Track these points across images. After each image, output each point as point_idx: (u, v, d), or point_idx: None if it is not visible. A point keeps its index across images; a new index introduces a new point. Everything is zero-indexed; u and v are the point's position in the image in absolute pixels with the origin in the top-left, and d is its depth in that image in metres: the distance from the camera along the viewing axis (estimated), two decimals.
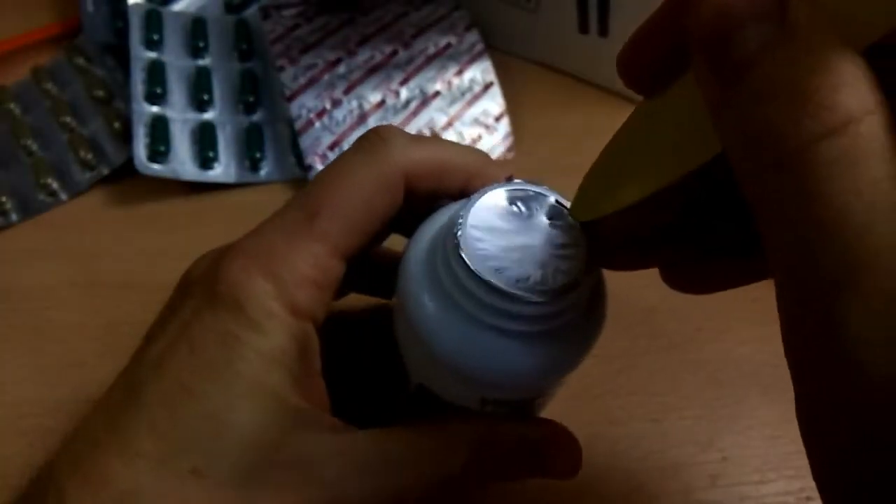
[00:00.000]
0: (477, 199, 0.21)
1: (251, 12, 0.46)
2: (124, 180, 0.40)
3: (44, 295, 0.35)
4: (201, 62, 0.43)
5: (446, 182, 0.24)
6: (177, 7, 0.45)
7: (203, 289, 0.21)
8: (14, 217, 0.38)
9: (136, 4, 0.43)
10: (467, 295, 0.20)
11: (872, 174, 0.12)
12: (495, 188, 0.21)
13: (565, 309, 0.20)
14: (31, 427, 0.30)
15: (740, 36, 0.13)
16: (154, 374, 0.20)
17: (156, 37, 0.42)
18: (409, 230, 0.24)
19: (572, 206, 0.21)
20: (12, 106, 0.42)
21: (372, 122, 0.41)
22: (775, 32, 0.13)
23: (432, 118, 0.42)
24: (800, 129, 0.12)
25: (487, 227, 0.20)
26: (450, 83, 0.43)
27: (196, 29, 0.44)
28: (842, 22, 0.13)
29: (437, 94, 0.42)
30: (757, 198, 0.14)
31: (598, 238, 0.20)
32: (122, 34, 0.43)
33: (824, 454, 0.13)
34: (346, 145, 0.40)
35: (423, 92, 0.42)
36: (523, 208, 0.21)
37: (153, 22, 0.43)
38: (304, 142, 0.40)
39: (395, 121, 0.41)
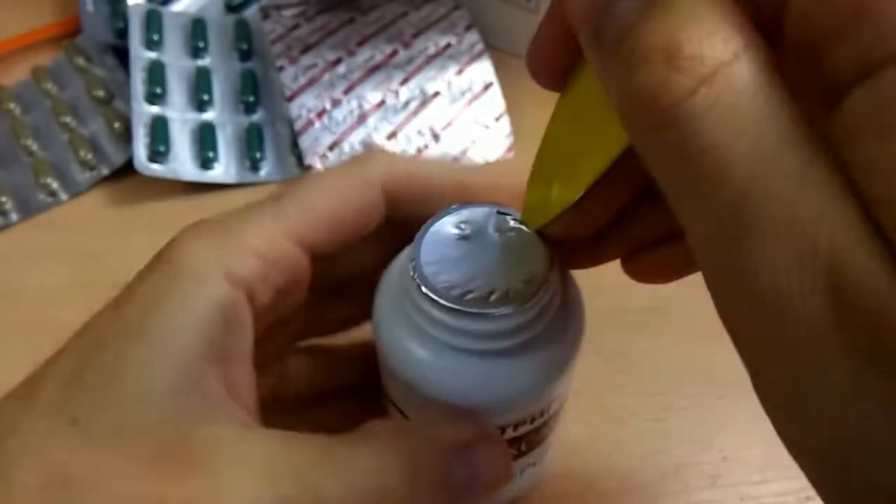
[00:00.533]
0: (423, 236, 0.21)
1: (251, 12, 0.46)
2: (124, 180, 0.40)
3: (44, 295, 0.35)
4: (201, 62, 0.43)
5: (434, 197, 0.23)
6: (177, 7, 0.45)
7: (155, 255, 0.21)
8: (14, 217, 0.38)
9: (136, 4, 0.43)
10: (449, 331, 0.20)
11: (753, 113, 0.12)
12: (439, 218, 0.21)
13: (540, 313, 0.20)
14: None
15: (611, 11, 0.13)
16: (79, 332, 0.20)
17: (156, 37, 0.42)
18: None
19: (522, 212, 0.21)
20: (12, 106, 0.42)
21: (372, 122, 0.41)
22: (642, 2, 0.13)
23: (432, 118, 0.42)
24: (671, 86, 0.12)
25: (442, 259, 0.20)
26: (450, 83, 0.43)
27: (196, 29, 0.44)
28: None
29: (437, 94, 0.42)
30: (651, 165, 0.14)
31: (552, 240, 0.20)
32: (122, 34, 0.43)
33: (771, 410, 0.13)
34: (345, 145, 0.40)
35: (423, 92, 0.42)
36: (470, 230, 0.21)
37: (153, 22, 0.43)
38: (304, 142, 0.40)
39: (395, 121, 0.41)
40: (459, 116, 0.42)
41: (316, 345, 0.28)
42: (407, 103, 0.42)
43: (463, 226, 0.21)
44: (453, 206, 0.22)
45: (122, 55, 0.43)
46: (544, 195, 0.19)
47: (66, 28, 0.46)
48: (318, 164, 0.40)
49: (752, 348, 0.13)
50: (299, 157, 0.40)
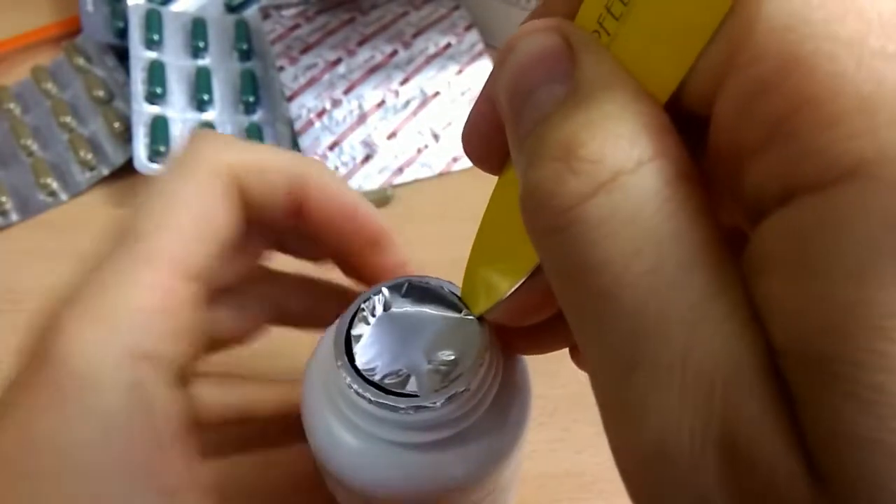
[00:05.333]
0: (353, 314, 0.19)
1: (251, 12, 0.46)
2: (124, 180, 0.40)
3: (44, 295, 0.35)
4: (201, 62, 0.43)
5: (270, 184, 0.21)
6: (177, 7, 0.45)
7: (32, 352, 0.18)
8: (14, 217, 0.38)
9: (136, 4, 0.43)
10: (374, 420, 0.18)
11: (655, 231, 0.11)
12: (372, 294, 0.20)
13: (475, 406, 0.18)
14: None
15: (532, 97, 0.12)
16: None
17: (156, 37, 0.42)
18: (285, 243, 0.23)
19: (462, 294, 0.20)
20: (12, 106, 0.42)
21: (372, 122, 0.41)
22: (563, 92, 0.12)
23: (432, 118, 0.42)
24: (565, 188, 0.11)
25: (373, 342, 0.19)
26: (450, 83, 0.43)
27: (196, 29, 0.44)
28: (642, 73, 0.12)
29: (437, 94, 0.42)
30: (545, 271, 0.12)
31: (493, 324, 0.19)
32: (122, 34, 0.43)
33: None
34: (345, 145, 0.40)
35: (423, 92, 0.42)
36: (406, 309, 0.20)
37: (153, 22, 0.43)
38: (304, 142, 0.40)
39: (395, 121, 0.41)
40: (459, 116, 0.42)
41: (227, 374, 0.26)
42: (407, 103, 0.42)
43: (398, 305, 0.20)
44: (392, 280, 0.20)
45: (122, 55, 0.43)
46: (483, 279, 0.18)
47: (66, 28, 0.46)
48: None
49: (641, 501, 0.11)
50: None
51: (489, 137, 0.16)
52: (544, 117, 0.12)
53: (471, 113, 0.16)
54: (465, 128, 0.16)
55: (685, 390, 0.10)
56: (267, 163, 0.22)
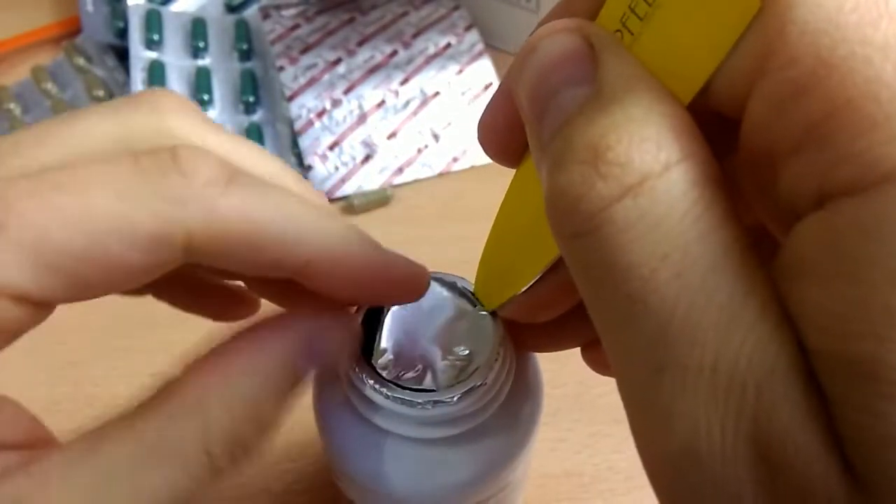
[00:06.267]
0: (365, 308, 0.19)
1: (251, 12, 0.46)
2: None
3: None
4: (201, 62, 0.43)
5: (258, 259, 0.15)
6: (177, 7, 0.45)
7: None
8: None
9: (136, 4, 0.43)
10: (387, 416, 0.18)
11: (683, 234, 0.11)
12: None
13: (486, 403, 0.18)
14: None
15: (555, 99, 0.12)
16: None
17: (156, 37, 0.42)
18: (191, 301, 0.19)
19: (475, 290, 0.20)
20: (12, 106, 0.42)
21: (372, 122, 0.41)
22: (586, 95, 0.12)
23: (432, 118, 0.42)
24: (593, 192, 0.11)
25: (387, 335, 0.19)
26: (450, 83, 0.43)
27: (196, 29, 0.44)
28: (665, 74, 0.12)
29: (437, 94, 0.42)
30: (572, 274, 0.12)
31: (506, 321, 0.19)
32: (122, 34, 0.43)
33: None
34: (345, 145, 0.40)
35: (423, 92, 0.42)
36: (422, 305, 0.19)
37: (153, 22, 0.43)
38: (304, 142, 0.40)
39: (395, 121, 0.41)
40: (459, 116, 0.42)
41: None
42: (407, 103, 0.42)
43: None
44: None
45: (122, 55, 0.43)
46: (497, 275, 0.18)
47: (66, 28, 0.46)
48: (317, 164, 0.40)
49: (670, 502, 0.11)
50: (299, 157, 0.40)
51: (507, 131, 0.15)
52: (568, 120, 0.12)
53: (487, 107, 0.16)
54: (481, 122, 0.16)
55: (716, 393, 0.10)
56: (268, 230, 0.15)
